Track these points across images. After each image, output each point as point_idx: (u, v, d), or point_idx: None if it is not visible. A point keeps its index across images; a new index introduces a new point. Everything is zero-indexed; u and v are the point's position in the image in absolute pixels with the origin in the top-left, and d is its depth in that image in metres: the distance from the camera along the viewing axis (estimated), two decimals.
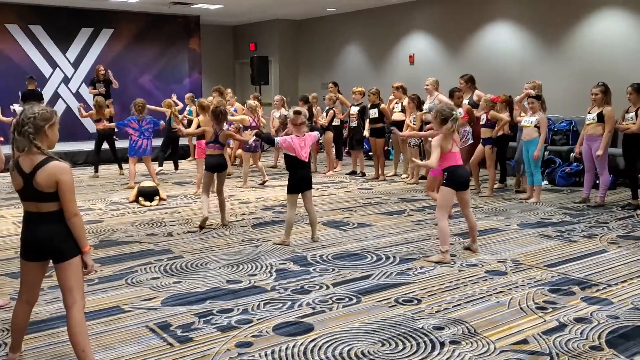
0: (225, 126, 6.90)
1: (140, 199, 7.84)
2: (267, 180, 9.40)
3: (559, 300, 4.15)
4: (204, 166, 6.65)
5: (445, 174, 5.15)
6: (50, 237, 2.94)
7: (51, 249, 2.97)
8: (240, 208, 7.55)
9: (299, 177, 5.70)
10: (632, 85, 7.28)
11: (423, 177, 9.75)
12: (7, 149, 4.13)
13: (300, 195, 5.78)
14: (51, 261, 3.03)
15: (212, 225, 6.52)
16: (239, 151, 11.08)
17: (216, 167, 6.41)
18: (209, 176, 6.42)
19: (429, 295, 4.26)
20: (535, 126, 7.61)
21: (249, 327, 3.69)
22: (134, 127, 9.08)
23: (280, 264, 5.07)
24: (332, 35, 15.85)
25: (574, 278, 4.65)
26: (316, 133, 5.98)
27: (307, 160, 5.69)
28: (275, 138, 5.83)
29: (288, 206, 5.79)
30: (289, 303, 4.10)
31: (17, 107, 9.35)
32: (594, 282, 4.54)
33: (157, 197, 7.91)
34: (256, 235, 6.11)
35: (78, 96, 14.73)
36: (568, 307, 4.02)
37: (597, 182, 7.77)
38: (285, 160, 5.81)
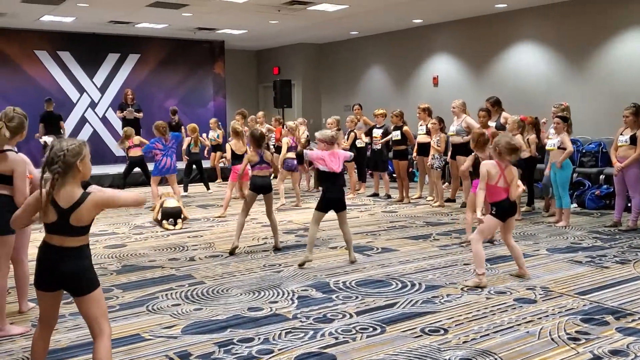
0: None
1: (163, 222, 7.84)
2: (300, 205, 9.37)
3: (592, 331, 3.98)
4: (236, 186, 6.68)
5: (494, 208, 5.08)
6: (70, 273, 2.92)
7: (71, 284, 2.96)
8: (262, 232, 7.49)
9: (331, 195, 5.68)
10: None
11: (449, 200, 9.62)
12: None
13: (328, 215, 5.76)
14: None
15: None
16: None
17: (262, 187, 6.38)
18: (252, 197, 6.38)
19: (456, 325, 4.12)
20: (559, 147, 7.46)
21: (270, 358, 3.60)
22: (160, 148, 9.14)
23: (302, 290, 4.98)
24: (355, 58, 15.88)
25: (608, 307, 4.47)
26: (349, 153, 6.01)
27: (339, 171, 5.66)
28: (305, 150, 5.83)
29: (312, 222, 5.74)
30: (311, 332, 4.00)
31: (47, 139, 9.50)
32: (628, 312, 4.35)
33: (181, 220, 7.90)
34: (278, 260, 6.04)
35: (105, 120, 14.98)
36: (602, 338, 3.85)
37: (629, 205, 7.55)
38: (316, 177, 5.79)
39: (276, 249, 6.49)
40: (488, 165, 5.06)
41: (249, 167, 6.55)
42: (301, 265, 5.70)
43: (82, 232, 2.93)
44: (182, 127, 12.26)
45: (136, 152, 10.41)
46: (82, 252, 2.94)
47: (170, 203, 8.09)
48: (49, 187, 2.86)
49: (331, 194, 5.71)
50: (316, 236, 5.77)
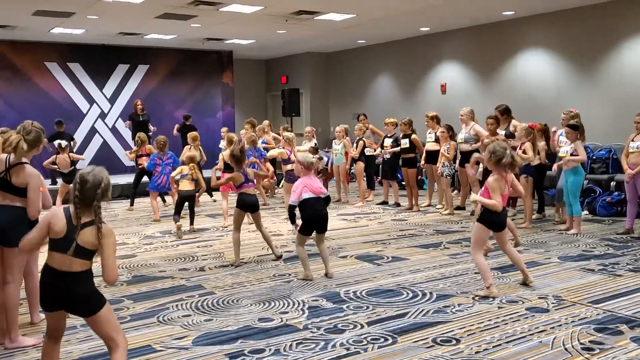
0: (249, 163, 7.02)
1: (175, 229, 7.91)
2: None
3: (606, 341, 3.94)
4: (229, 199, 6.69)
5: (482, 209, 5.05)
6: (74, 299, 2.96)
7: (77, 308, 2.99)
8: (272, 241, 7.47)
9: (316, 219, 5.56)
10: None
11: (459, 208, 9.58)
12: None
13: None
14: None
15: (242, 259, 6.46)
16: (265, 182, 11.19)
17: (249, 206, 6.34)
18: (239, 214, 6.34)
19: (468, 335, 4.09)
20: (572, 154, 7.43)
21: None
22: (158, 163, 9.29)
23: (312, 300, 4.96)
24: (362, 66, 15.90)
25: (621, 316, 4.42)
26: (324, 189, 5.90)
27: (324, 192, 5.60)
28: (292, 203, 5.62)
29: (297, 244, 5.68)
30: (322, 343, 3.98)
31: (61, 142, 9.63)
32: None
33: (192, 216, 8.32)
34: (288, 270, 6.02)
35: (114, 131, 15.07)
36: (617, 348, 3.81)
37: None
38: (300, 207, 5.63)
39: (277, 257, 6.46)
40: (498, 181, 4.98)
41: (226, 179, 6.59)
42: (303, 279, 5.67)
43: (86, 255, 2.95)
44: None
45: (146, 161, 10.47)
46: (84, 276, 2.96)
47: (186, 186, 8.14)
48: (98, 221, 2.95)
49: (316, 218, 5.57)
50: (306, 254, 5.72)
